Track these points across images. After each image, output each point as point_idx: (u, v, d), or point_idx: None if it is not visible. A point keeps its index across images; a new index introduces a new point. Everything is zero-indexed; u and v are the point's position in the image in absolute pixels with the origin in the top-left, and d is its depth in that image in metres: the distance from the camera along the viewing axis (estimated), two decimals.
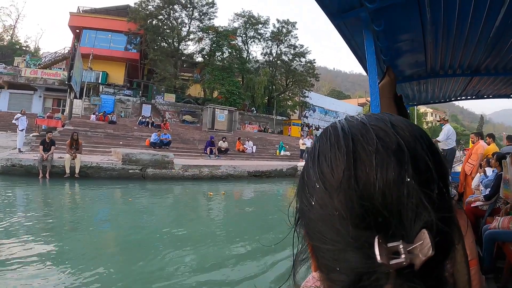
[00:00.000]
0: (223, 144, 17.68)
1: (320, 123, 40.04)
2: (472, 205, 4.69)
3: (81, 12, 29.69)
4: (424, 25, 2.41)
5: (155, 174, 11.13)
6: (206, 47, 31.53)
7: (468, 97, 5.14)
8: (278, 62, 35.84)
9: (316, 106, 41.14)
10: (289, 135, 31.16)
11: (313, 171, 0.35)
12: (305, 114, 39.85)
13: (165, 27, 29.44)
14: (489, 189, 4.54)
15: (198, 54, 32.10)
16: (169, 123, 22.17)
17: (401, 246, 0.29)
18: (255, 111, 33.54)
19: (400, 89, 4.50)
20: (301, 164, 16.18)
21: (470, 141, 7.08)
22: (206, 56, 31.36)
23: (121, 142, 15.27)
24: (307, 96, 37.27)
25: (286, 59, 35.91)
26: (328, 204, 0.33)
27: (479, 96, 5.07)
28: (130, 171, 10.74)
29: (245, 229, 6.08)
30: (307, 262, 0.38)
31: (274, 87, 35.71)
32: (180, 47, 30.58)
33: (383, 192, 0.30)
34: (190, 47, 32.28)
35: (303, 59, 35.93)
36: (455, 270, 1.17)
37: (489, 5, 2.07)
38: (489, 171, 5.19)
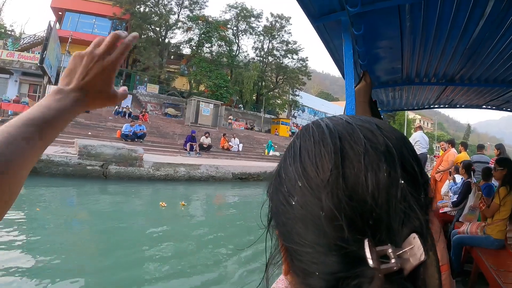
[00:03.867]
0: (205, 140, 16.15)
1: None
2: (441, 211, 4.80)
3: None
4: (403, 32, 2.47)
5: (119, 173, 9.29)
6: (195, 37, 30.36)
7: (441, 106, 5.26)
8: (270, 58, 34.97)
9: (305, 106, 40.40)
10: (276, 134, 29.84)
11: (294, 169, 0.33)
12: (294, 113, 39.16)
13: (152, 14, 28.42)
14: (457, 195, 4.64)
15: (186, 44, 31.01)
16: (148, 114, 20.72)
17: (390, 250, 0.27)
18: (242, 108, 32.67)
19: (375, 95, 4.58)
20: None
21: (441, 149, 7.26)
22: (194, 47, 30.36)
23: (90, 133, 13.71)
24: (298, 95, 36.56)
25: (278, 54, 34.96)
26: (311, 204, 0.31)
27: (452, 105, 5.20)
28: (88, 167, 8.89)
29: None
30: (280, 266, 0.36)
31: (263, 83, 34.85)
32: (167, 36, 29.53)
33: (373, 193, 0.29)
34: (178, 36, 31.67)
35: (295, 56, 35.03)
36: (427, 275, 1.17)
37: (468, 17, 2.12)
38: (458, 178, 5.30)
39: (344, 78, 2.14)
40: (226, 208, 8.49)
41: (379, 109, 5.44)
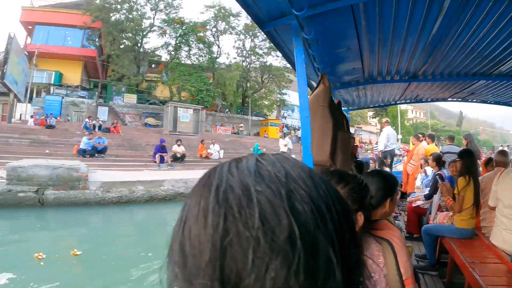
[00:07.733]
0: (178, 149, 13.80)
1: (300, 124, 38.82)
2: (413, 205, 4.83)
3: (33, 6, 27.18)
4: (360, 32, 2.41)
5: (58, 199, 7.45)
6: (172, 41, 29.15)
7: (408, 101, 5.37)
8: (252, 57, 33.38)
9: (295, 105, 37.93)
10: (265, 137, 28.20)
11: (175, 240, 0.30)
12: (283, 114, 37.78)
13: (125, 21, 27.13)
14: (429, 188, 4.69)
15: (163, 49, 29.85)
16: (120, 125, 19.58)
17: None
18: (228, 112, 31.17)
19: (339, 95, 4.61)
20: None
21: (411, 142, 7.45)
22: (172, 52, 29.21)
23: (47, 151, 12.16)
24: (285, 94, 35.13)
25: (261, 53, 33.21)
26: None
27: (418, 100, 5.32)
28: (20, 194, 7.12)
29: None
30: None
31: (248, 84, 33.46)
32: (142, 41, 28.24)
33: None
34: (153, 42, 30.77)
35: (279, 54, 33.89)
36: None
37: (425, 13, 2.11)
38: (429, 170, 5.38)
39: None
40: None
41: (344, 108, 5.55)
